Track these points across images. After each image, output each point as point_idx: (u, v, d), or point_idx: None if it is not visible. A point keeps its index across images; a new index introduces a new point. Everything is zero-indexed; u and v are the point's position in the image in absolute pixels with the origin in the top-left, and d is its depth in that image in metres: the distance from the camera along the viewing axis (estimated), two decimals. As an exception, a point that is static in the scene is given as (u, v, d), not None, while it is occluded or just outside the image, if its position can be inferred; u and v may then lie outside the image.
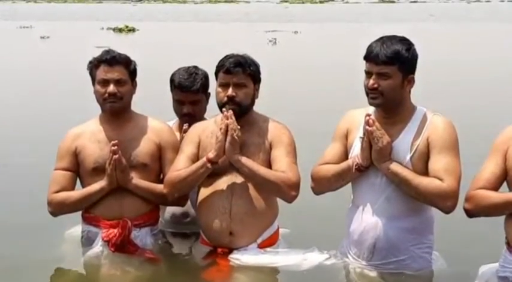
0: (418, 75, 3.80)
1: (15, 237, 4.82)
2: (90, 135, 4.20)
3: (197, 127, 4.19)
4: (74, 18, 39.90)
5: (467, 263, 4.13)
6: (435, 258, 3.96)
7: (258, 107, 4.16)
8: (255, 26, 31.67)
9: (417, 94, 3.93)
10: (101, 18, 37.79)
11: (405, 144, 3.76)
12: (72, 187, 4.21)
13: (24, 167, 6.91)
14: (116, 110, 4.15)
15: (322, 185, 3.96)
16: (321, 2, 68.86)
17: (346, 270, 3.96)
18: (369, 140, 3.72)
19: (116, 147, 4.01)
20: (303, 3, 67.75)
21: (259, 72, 4.10)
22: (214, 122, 4.13)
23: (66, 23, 35.10)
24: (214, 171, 3.99)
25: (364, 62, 3.77)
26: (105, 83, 4.11)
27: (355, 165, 3.80)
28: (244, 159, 3.95)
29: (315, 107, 10.41)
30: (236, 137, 3.90)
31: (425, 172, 3.71)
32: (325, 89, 12.58)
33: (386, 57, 3.67)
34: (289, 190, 3.94)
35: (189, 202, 4.36)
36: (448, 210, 3.69)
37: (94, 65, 4.17)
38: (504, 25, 30.53)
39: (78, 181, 4.27)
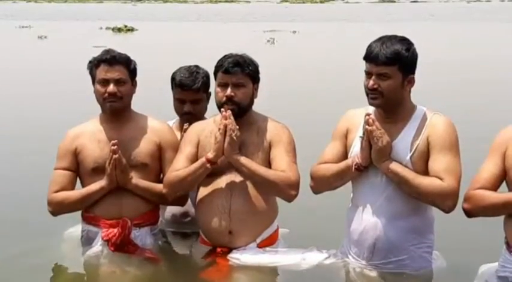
0: (418, 74, 3.80)
1: (15, 236, 4.82)
2: (90, 135, 4.20)
3: (196, 127, 4.19)
4: (73, 18, 39.89)
5: (466, 263, 4.13)
6: (435, 258, 3.96)
7: (258, 107, 4.16)
8: (253, 25, 31.66)
9: (417, 94, 3.93)
10: (101, 18, 37.77)
11: (405, 143, 3.75)
12: (72, 187, 4.21)
13: (24, 166, 6.92)
14: (116, 109, 4.15)
15: (321, 184, 3.96)
16: (321, 2, 68.77)
17: (346, 269, 3.96)
18: (368, 140, 3.72)
19: (115, 147, 4.01)
20: (303, 2, 67.70)
21: (258, 72, 4.10)
22: (213, 121, 4.13)
23: (66, 23, 35.08)
24: (213, 171, 3.99)
25: (364, 62, 3.77)
26: (105, 82, 4.11)
27: (355, 165, 3.80)
28: (243, 159, 3.95)
29: (311, 107, 10.41)
30: (235, 137, 3.90)
31: (425, 172, 3.71)
32: (322, 89, 12.57)
33: (386, 58, 3.67)
34: (288, 189, 3.94)
35: (189, 201, 4.36)
36: (448, 210, 3.69)
37: (94, 65, 4.17)
38: (504, 25, 30.51)
39: (78, 181, 4.27)
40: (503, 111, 9.35)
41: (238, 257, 4.00)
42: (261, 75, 4.12)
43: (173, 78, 4.54)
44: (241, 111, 4.00)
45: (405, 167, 3.71)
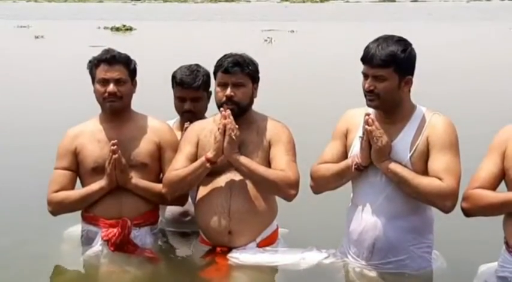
0: (417, 74, 3.80)
1: (15, 236, 4.82)
2: (90, 135, 4.20)
3: (196, 126, 4.19)
4: (73, 18, 39.86)
5: (466, 263, 4.13)
6: (435, 258, 3.96)
7: (257, 107, 4.16)
8: (252, 25, 31.64)
9: (418, 93, 3.93)
10: (100, 18, 37.74)
11: (405, 143, 3.75)
12: (72, 186, 4.21)
13: (23, 166, 6.92)
14: (116, 109, 4.15)
15: (321, 184, 3.96)
16: (321, 1, 68.72)
17: (346, 269, 3.96)
18: (368, 140, 3.72)
19: (115, 146, 4.01)
20: (303, 2, 67.64)
21: (257, 72, 4.10)
22: (213, 121, 4.13)
23: (64, 23, 35.06)
24: (213, 170, 4.00)
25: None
26: (105, 82, 4.11)
27: (355, 165, 3.80)
28: (242, 159, 3.95)
29: (302, 106, 10.41)
30: (234, 137, 3.90)
31: (425, 172, 3.71)
32: (319, 88, 12.57)
33: (381, 60, 3.66)
34: (288, 189, 3.94)
35: (189, 201, 4.36)
36: (447, 210, 3.69)
37: (94, 64, 4.17)
38: (504, 24, 30.51)
39: (78, 181, 4.27)
40: (503, 111, 9.36)
41: (237, 257, 4.00)
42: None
43: (174, 77, 4.55)
44: (241, 110, 4.00)
45: (405, 167, 3.71)
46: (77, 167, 4.21)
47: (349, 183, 3.94)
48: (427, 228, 3.89)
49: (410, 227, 3.82)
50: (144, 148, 4.17)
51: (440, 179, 3.65)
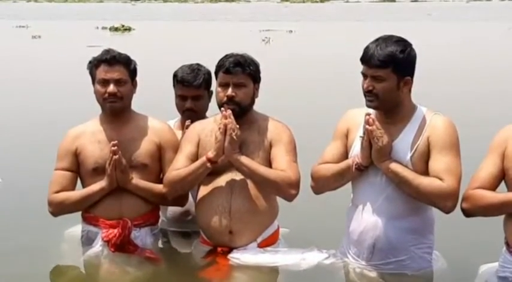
0: (417, 74, 3.79)
1: (16, 236, 4.82)
2: (91, 136, 4.20)
3: (196, 126, 4.19)
4: (72, 18, 39.85)
5: (466, 263, 4.13)
6: (436, 258, 3.96)
7: (256, 107, 4.16)
8: (251, 25, 31.64)
9: (418, 93, 3.93)
10: (100, 18, 37.73)
11: (405, 143, 3.75)
12: (72, 187, 4.21)
13: (22, 166, 6.92)
14: (116, 109, 4.15)
15: (321, 184, 3.96)
16: (321, 1, 68.74)
17: (346, 270, 3.96)
18: (368, 140, 3.72)
19: (115, 147, 4.01)
20: (304, 2, 67.67)
21: (259, 72, 4.10)
22: (213, 120, 4.13)
23: (63, 23, 35.03)
24: (214, 170, 4.00)
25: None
26: (105, 82, 4.11)
27: (355, 165, 3.80)
28: (243, 158, 3.95)
29: (292, 109, 10.39)
30: (235, 137, 3.90)
31: (425, 172, 3.71)
32: (318, 88, 12.56)
33: (379, 61, 3.66)
34: (289, 188, 3.94)
35: (190, 200, 4.36)
36: (448, 210, 3.68)
37: (94, 65, 4.17)
38: (503, 24, 30.51)
39: (78, 181, 4.27)
40: (502, 110, 9.35)
41: (238, 257, 4.00)
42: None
43: (175, 75, 4.56)
44: (242, 111, 4.00)
45: (405, 167, 3.71)
46: (78, 168, 4.21)
47: (349, 184, 3.94)
48: (428, 228, 3.89)
49: (411, 227, 3.82)
50: (144, 149, 4.17)
51: (441, 179, 3.65)
